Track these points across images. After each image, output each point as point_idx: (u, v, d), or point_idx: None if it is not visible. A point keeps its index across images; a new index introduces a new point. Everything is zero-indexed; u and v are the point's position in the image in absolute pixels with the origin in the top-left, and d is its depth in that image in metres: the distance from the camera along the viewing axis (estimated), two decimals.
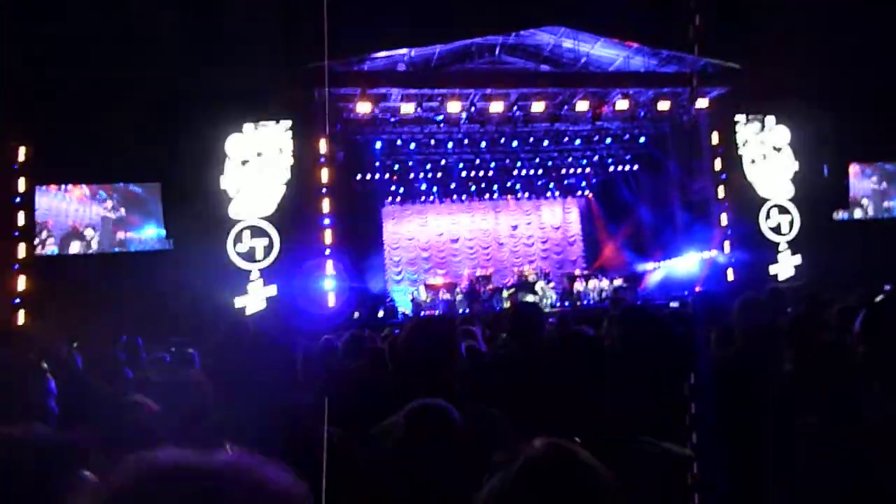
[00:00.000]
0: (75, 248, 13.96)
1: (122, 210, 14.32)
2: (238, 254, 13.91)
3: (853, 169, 17.69)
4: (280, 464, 0.82)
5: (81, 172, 13.97)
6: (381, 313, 15.49)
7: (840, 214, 17.45)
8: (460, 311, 16.16)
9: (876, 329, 2.09)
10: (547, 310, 15.20)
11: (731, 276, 15.54)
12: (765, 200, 16.27)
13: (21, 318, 12.78)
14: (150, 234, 14.33)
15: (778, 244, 16.13)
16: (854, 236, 16.50)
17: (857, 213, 17.64)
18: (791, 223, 16.25)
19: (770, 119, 16.49)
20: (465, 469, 1.45)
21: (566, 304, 16.72)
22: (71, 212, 14.07)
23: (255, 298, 13.71)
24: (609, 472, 1.11)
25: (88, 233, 14.08)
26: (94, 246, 14.06)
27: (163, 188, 14.26)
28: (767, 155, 16.45)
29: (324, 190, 14.29)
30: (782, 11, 14.23)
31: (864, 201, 17.80)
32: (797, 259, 15.95)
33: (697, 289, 15.35)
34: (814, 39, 14.17)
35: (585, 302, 16.53)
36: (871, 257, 14.14)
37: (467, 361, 3.08)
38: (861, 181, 17.87)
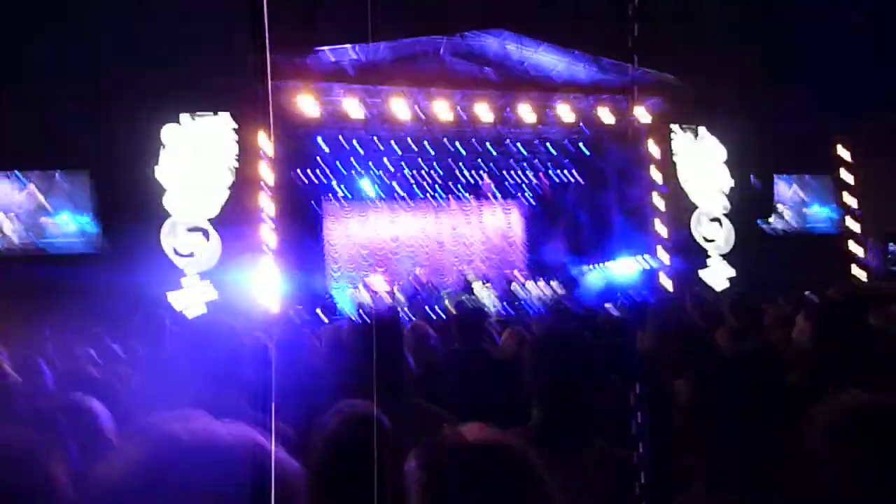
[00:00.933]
0: None
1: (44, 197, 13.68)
2: (173, 249, 13.47)
3: (777, 180, 18.59)
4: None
5: (3, 159, 13.28)
6: (319, 311, 15.30)
7: (764, 224, 18.29)
8: (399, 310, 16.12)
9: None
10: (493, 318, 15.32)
11: (664, 280, 16.07)
12: (697, 208, 16.89)
13: None
14: (66, 221, 13.71)
15: (707, 252, 16.77)
16: (776, 245, 17.37)
17: (779, 224, 18.53)
18: (721, 232, 16.93)
19: (703, 129, 17.13)
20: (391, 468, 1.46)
21: (504, 305, 16.92)
22: None
23: (190, 295, 13.32)
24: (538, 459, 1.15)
25: (6, 226, 13.37)
26: (14, 237, 13.35)
27: (93, 178, 13.69)
28: (699, 164, 17.08)
29: (263, 185, 14.02)
30: (717, 26, 14.81)
31: (785, 212, 18.71)
32: (727, 266, 16.62)
33: (631, 293, 15.79)
34: (746, 54, 14.81)
35: (525, 304, 16.76)
36: (790, 265, 14.96)
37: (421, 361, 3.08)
38: (783, 192, 18.78)
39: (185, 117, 13.83)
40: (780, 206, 18.64)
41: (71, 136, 12.44)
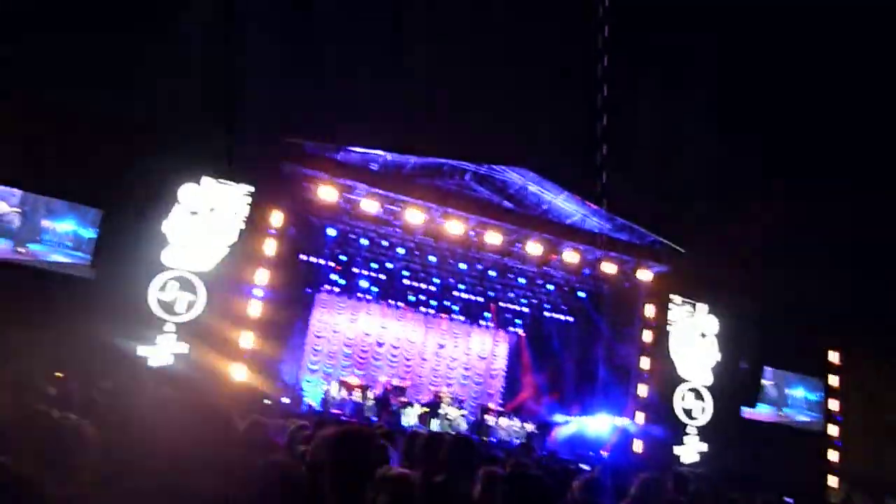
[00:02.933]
0: None
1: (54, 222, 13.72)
2: (159, 301, 13.31)
3: (767, 372, 18.60)
4: None
5: (25, 180, 13.47)
6: (286, 400, 14.88)
7: (747, 413, 18.10)
8: (367, 416, 15.68)
9: None
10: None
11: (638, 447, 15.68)
12: (683, 381, 16.76)
13: None
14: (66, 228, 13.64)
15: (686, 427, 16.46)
16: (755, 433, 17.12)
17: (760, 414, 18.38)
18: (703, 409, 16.70)
19: (702, 307, 17.33)
20: None
21: (474, 435, 16.42)
22: None
23: (162, 351, 13.01)
24: None
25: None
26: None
27: (105, 216, 13.77)
28: (693, 339, 17.15)
29: (265, 261, 14.09)
30: (735, 215, 15.41)
31: (769, 403, 18.62)
32: (703, 446, 16.26)
33: (604, 453, 15.39)
34: (758, 249, 15.30)
35: (494, 438, 16.29)
36: (764, 458, 14.69)
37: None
38: (770, 385, 18.75)
39: (206, 180, 14.06)
40: (764, 397, 18.55)
41: (95, 174, 12.67)
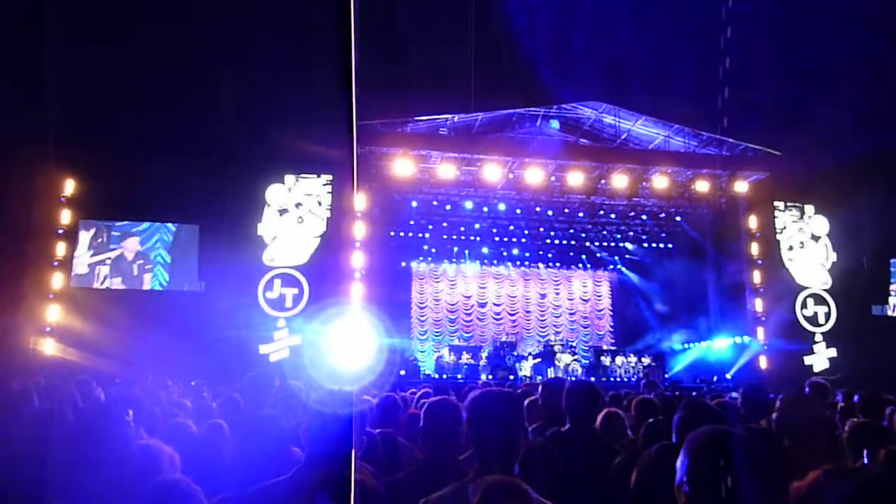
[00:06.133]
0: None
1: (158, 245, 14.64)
2: (267, 300, 13.97)
3: (894, 263, 17.31)
4: None
5: (123, 209, 14.37)
6: (403, 372, 15.31)
7: (878, 309, 16.98)
8: (483, 376, 15.91)
9: None
10: None
11: (764, 364, 15.14)
12: (802, 289, 15.94)
13: (50, 347, 12.91)
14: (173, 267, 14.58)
15: (814, 335, 15.69)
16: (890, 331, 16.01)
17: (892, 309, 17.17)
18: (828, 314, 15.85)
19: (809, 208, 16.33)
20: None
21: (592, 378, 16.37)
22: None
23: (280, 346, 13.69)
24: None
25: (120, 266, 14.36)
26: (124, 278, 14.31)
27: (200, 230, 14.53)
28: (805, 243, 16.23)
29: (357, 244, 14.42)
30: (825, 103, 14.30)
31: None
32: (832, 352, 15.49)
33: (728, 375, 14.98)
34: (857, 133, 14.17)
35: (612, 378, 16.17)
36: None
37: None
38: None
39: (289, 178, 14.54)
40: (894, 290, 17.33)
41: (189, 193, 13.37)
